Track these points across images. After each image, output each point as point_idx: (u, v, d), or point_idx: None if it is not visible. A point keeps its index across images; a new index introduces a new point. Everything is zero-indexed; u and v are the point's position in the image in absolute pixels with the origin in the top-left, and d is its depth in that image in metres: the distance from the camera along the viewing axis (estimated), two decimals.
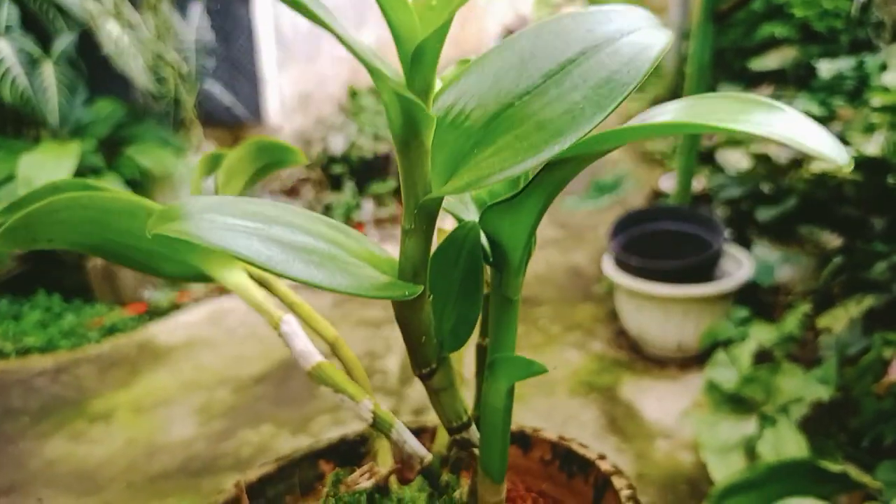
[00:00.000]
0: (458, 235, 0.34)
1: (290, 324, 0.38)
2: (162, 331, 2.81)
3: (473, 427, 0.40)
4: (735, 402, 1.32)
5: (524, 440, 0.52)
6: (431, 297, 0.35)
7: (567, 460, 0.49)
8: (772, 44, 3.83)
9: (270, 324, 0.38)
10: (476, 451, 0.40)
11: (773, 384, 1.30)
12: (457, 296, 0.36)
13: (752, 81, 3.90)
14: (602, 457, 0.47)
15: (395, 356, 2.45)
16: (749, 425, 1.27)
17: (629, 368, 2.24)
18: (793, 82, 3.64)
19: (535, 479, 0.50)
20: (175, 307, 2.95)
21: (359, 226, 3.60)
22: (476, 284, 0.36)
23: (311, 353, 0.38)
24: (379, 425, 0.40)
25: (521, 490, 0.50)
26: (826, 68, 3.26)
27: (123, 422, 2.25)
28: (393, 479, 0.45)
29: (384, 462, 0.47)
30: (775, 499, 1.04)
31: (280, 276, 0.28)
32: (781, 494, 1.05)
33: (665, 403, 2.03)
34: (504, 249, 0.33)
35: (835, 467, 1.06)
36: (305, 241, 0.30)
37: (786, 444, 1.15)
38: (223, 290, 3.10)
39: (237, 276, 0.37)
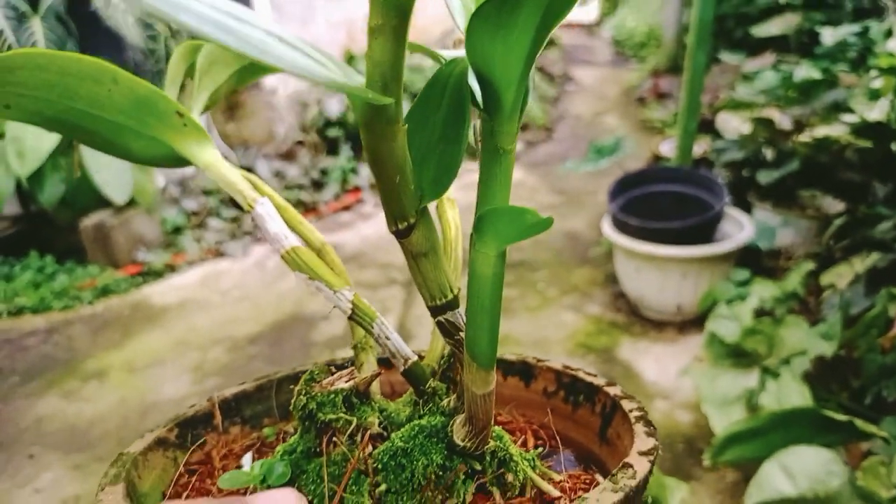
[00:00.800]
0: (442, 74, 0.30)
1: (265, 205, 0.34)
2: (155, 292, 2.78)
3: (462, 311, 0.36)
4: (736, 356, 1.30)
5: (527, 371, 0.49)
6: (412, 140, 0.31)
7: (572, 390, 0.46)
8: (774, 10, 3.77)
9: (243, 205, 0.34)
10: (462, 336, 0.36)
11: (776, 337, 1.28)
12: (439, 140, 0.32)
13: (754, 48, 3.85)
14: (611, 383, 0.44)
15: (391, 317, 2.43)
16: (751, 378, 1.25)
17: (627, 331, 2.22)
18: (795, 49, 3.59)
19: (537, 412, 0.48)
20: (169, 269, 2.92)
21: (355, 190, 3.56)
22: (461, 127, 0.32)
23: (285, 235, 0.35)
24: (358, 317, 0.36)
25: (521, 423, 0.47)
26: (830, 35, 3.21)
27: (116, 381, 2.23)
28: (377, 390, 0.42)
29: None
30: (778, 447, 1.02)
31: (253, 59, 0.25)
32: (785, 443, 1.03)
33: (663, 365, 2.02)
34: (496, 88, 0.28)
35: (841, 416, 1.04)
36: (274, 34, 0.28)
37: (789, 395, 1.13)
38: (218, 253, 3.07)
39: (209, 155, 0.34)
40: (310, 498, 0.35)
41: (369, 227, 3.29)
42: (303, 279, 0.35)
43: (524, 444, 0.43)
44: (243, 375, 2.17)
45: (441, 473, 0.35)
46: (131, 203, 2.90)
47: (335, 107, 3.59)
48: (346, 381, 0.38)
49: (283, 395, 0.48)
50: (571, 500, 0.36)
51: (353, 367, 0.41)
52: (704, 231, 2.13)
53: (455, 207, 0.45)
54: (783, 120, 2.54)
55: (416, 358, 0.38)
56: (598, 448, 0.43)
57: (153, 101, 0.31)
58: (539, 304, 2.43)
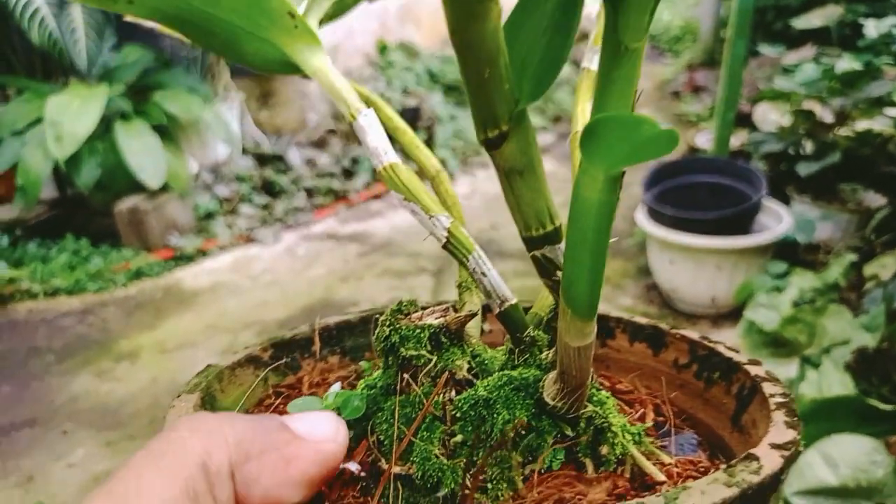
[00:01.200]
0: None
1: (368, 117, 0.32)
2: (187, 276, 2.81)
3: (562, 246, 0.31)
4: (776, 345, 1.26)
5: (657, 338, 0.43)
6: (516, 28, 0.27)
7: (707, 365, 0.40)
8: (816, 2, 3.68)
9: (346, 115, 0.32)
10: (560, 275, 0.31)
11: (818, 326, 1.24)
12: (547, 28, 0.27)
13: (793, 41, 3.77)
14: (754, 361, 0.39)
15: (425, 275, 2.42)
16: (790, 368, 1.21)
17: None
18: (837, 42, 3.50)
19: (664, 386, 0.42)
20: (201, 254, 2.95)
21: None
22: (574, 13, 0.27)
23: (385, 150, 0.32)
24: (453, 248, 0.33)
25: (643, 395, 0.41)
26: (874, 27, 3.13)
27: (148, 362, 2.25)
28: (476, 335, 0.39)
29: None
30: (820, 436, 0.99)
31: None
32: (826, 432, 1.00)
33: None
34: None
35: (887, 406, 1.01)
36: None
37: (831, 385, 1.10)
38: (249, 239, 3.09)
39: (319, 60, 0.32)
40: (381, 438, 0.32)
41: (399, 215, 3.28)
42: (398, 199, 0.33)
43: (641, 419, 0.38)
44: None
45: (524, 433, 0.31)
46: (165, 188, 2.93)
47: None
48: (436, 318, 0.35)
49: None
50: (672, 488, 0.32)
51: (448, 305, 0.38)
52: (741, 222, 2.09)
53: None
54: (824, 112, 2.48)
55: (514, 300, 0.34)
56: (729, 434, 0.38)
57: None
58: None
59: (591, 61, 0.37)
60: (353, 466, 0.31)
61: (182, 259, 2.91)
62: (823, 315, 1.27)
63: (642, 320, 0.43)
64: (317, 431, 0.25)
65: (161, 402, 2.03)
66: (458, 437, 0.31)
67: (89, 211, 3.03)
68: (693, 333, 0.42)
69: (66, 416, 2.01)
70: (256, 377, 0.41)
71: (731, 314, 2.07)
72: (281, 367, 0.42)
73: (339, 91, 0.32)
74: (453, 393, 0.33)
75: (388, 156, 0.32)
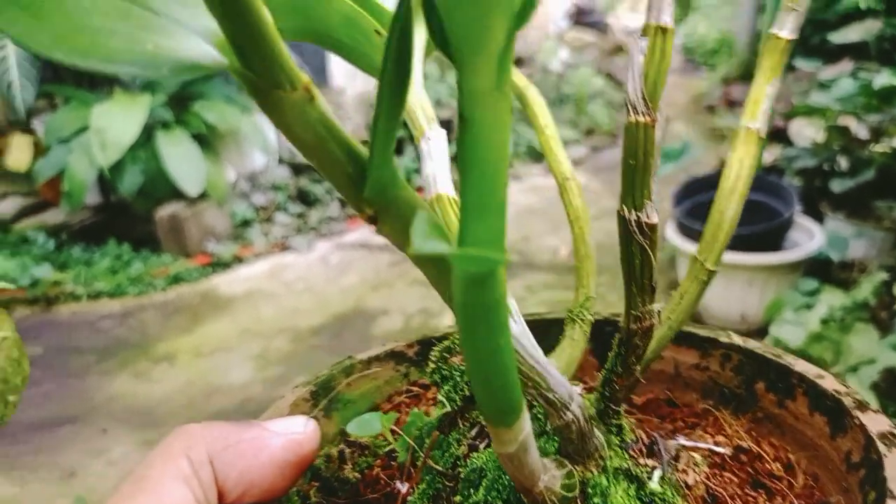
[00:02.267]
0: None
1: (432, 141, 0.30)
2: (224, 282, 2.88)
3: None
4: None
5: (837, 416, 0.32)
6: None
7: (872, 478, 0.29)
8: (854, 16, 3.65)
9: (414, 134, 0.32)
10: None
11: (844, 344, 1.25)
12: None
13: (831, 56, 3.74)
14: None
15: (448, 314, 2.45)
16: None
17: None
18: (876, 56, 3.46)
19: (832, 483, 0.32)
20: (237, 260, 3.02)
21: (419, 189, 3.61)
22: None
23: (438, 179, 0.29)
24: None
25: (798, 487, 0.32)
26: None
27: (184, 364, 2.32)
28: None
29: (572, 352, 0.34)
30: None
31: None
32: None
33: None
34: None
35: None
36: None
37: None
38: (284, 247, 3.15)
39: None
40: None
41: None
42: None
43: None
44: (305, 364, 2.23)
45: None
46: (203, 196, 3.01)
47: None
48: None
49: (551, 339, 0.36)
50: None
51: None
52: (773, 239, 2.08)
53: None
54: (859, 128, 2.46)
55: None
56: None
57: (356, 19, 0.30)
58: (596, 310, 2.41)
59: (782, 26, 0.30)
60: (403, 487, 0.32)
61: (219, 265, 2.98)
62: (850, 333, 1.27)
63: (827, 383, 0.33)
64: (288, 427, 0.28)
65: (196, 404, 2.09)
66: (458, 498, 0.29)
67: (131, 217, 3.12)
68: (878, 421, 0.30)
69: (105, 414, 2.08)
70: (396, 373, 0.40)
71: (761, 331, 2.07)
72: (423, 364, 0.39)
73: (410, 105, 0.31)
74: (482, 446, 0.31)
75: (439, 185, 0.30)
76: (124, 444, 1.93)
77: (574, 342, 0.36)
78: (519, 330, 0.26)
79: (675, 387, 0.40)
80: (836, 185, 2.24)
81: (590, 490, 0.28)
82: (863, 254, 2.21)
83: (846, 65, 3.46)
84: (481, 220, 0.18)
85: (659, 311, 0.28)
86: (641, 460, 0.30)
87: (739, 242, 2.03)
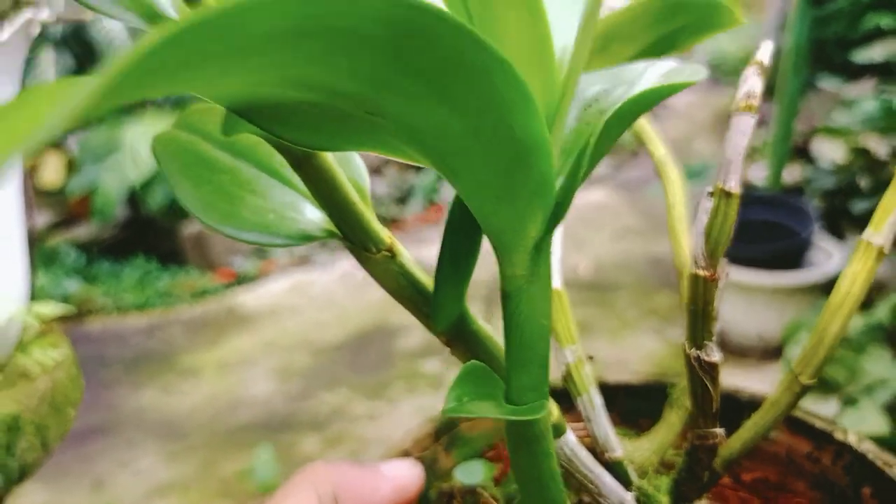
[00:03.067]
0: None
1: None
2: (248, 297, 2.94)
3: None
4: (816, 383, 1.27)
5: None
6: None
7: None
8: (878, 35, 3.64)
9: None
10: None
11: (858, 366, 1.26)
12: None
13: (853, 74, 3.73)
14: None
15: (475, 301, 2.48)
16: (830, 406, 1.23)
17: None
18: None
19: None
20: (261, 275, 3.08)
21: (438, 207, 3.66)
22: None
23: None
24: (569, 384, 0.32)
25: None
26: None
27: (209, 378, 2.37)
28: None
29: (665, 437, 0.36)
30: None
31: None
32: None
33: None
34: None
35: None
36: None
37: (868, 424, 1.11)
38: (307, 262, 3.21)
39: None
40: None
41: None
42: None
43: None
44: (327, 378, 2.27)
45: None
46: None
47: None
48: None
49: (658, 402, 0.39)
50: None
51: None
52: (792, 258, 2.09)
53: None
54: (879, 147, 2.46)
55: (618, 453, 0.31)
56: None
57: None
58: (618, 326, 2.43)
59: None
60: None
61: (243, 280, 3.05)
62: (863, 355, 1.28)
63: None
64: (398, 470, 0.32)
65: (221, 417, 2.13)
66: None
67: (158, 232, 3.20)
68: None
69: (133, 426, 2.14)
70: None
71: (779, 350, 2.07)
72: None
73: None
74: None
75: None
76: (151, 456, 1.98)
77: (669, 426, 0.37)
78: (574, 439, 0.29)
79: (786, 471, 0.40)
80: (857, 206, 2.25)
81: None
82: (885, 274, 2.21)
83: (869, 83, 3.46)
84: (524, 373, 0.23)
85: (723, 432, 0.30)
86: None
87: (758, 262, 2.04)
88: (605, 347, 2.29)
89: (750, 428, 0.31)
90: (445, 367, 2.23)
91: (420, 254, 2.92)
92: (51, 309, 0.72)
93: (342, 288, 2.97)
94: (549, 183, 0.19)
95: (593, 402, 0.32)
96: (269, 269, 3.12)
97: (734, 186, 0.26)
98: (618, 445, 0.32)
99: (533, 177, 0.18)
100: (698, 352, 0.27)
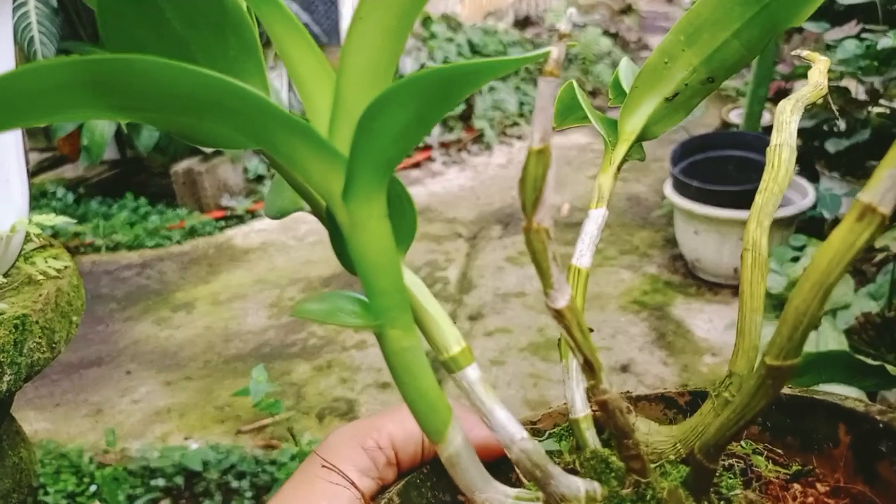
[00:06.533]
0: None
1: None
2: (238, 235, 2.98)
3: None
4: (781, 307, 1.35)
5: None
6: None
7: None
8: None
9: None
10: None
11: None
12: None
13: (837, 18, 3.75)
14: None
15: (454, 267, 2.55)
16: None
17: (682, 291, 2.29)
18: (883, 19, 3.48)
19: None
20: (250, 214, 3.12)
21: (426, 148, 3.69)
22: None
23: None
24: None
25: None
26: None
27: (202, 311, 2.44)
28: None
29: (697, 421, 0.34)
30: (813, 385, 1.10)
31: None
32: (819, 383, 1.10)
33: (715, 324, 2.08)
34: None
35: (872, 361, 1.11)
36: None
37: (828, 342, 1.20)
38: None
39: None
40: None
41: (437, 183, 3.41)
42: None
43: None
44: None
45: None
46: (218, 151, 3.09)
47: (408, 66, 3.71)
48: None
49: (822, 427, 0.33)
50: None
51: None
52: None
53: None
54: (859, 90, 2.52)
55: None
56: None
57: None
58: (598, 262, 2.51)
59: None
60: None
61: (233, 219, 3.09)
62: None
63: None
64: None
65: (215, 348, 2.21)
66: None
67: (147, 172, 3.22)
68: None
69: (129, 357, 2.21)
70: (663, 416, 0.39)
71: None
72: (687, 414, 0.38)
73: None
74: None
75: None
76: (148, 385, 2.06)
77: (701, 416, 0.35)
78: (475, 376, 0.31)
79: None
80: (831, 146, 2.31)
81: None
82: None
83: (853, 27, 3.49)
84: (376, 295, 0.27)
85: (609, 387, 0.28)
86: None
87: (733, 199, 2.11)
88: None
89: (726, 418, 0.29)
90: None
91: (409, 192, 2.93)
92: (51, 220, 0.77)
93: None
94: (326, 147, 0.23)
95: (569, 367, 0.34)
96: (259, 208, 3.16)
97: (538, 143, 0.30)
98: (582, 408, 0.34)
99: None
100: (547, 299, 0.26)
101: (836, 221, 2.31)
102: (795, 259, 1.82)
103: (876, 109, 2.43)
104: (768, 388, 0.26)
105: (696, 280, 2.32)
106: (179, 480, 1.66)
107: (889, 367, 1.10)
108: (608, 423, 0.29)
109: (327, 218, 0.29)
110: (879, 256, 1.55)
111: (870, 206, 0.21)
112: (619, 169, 0.38)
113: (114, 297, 2.58)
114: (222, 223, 3.06)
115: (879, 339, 1.46)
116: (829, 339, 1.19)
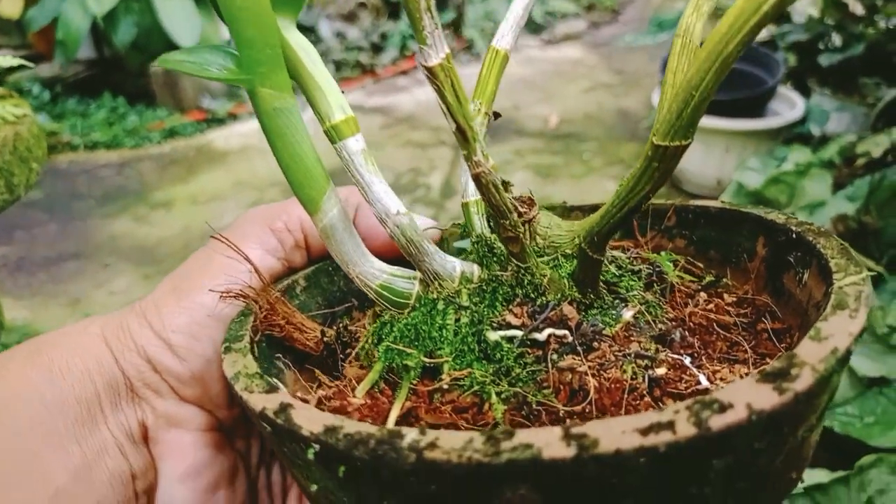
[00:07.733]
0: None
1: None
2: (218, 137, 2.93)
3: None
4: (757, 203, 1.35)
5: None
6: None
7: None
8: None
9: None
10: None
11: (798, 187, 1.33)
12: None
13: None
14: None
15: (438, 174, 2.53)
16: None
17: (665, 200, 2.28)
18: None
19: None
20: (231, 117, 3.06)
21: (413, 56, 3.60)
22: None
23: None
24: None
25: None
26: None
27: (181, 211, 2.41)
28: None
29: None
30: None
31: None
32: None
33: None
34: None
35: None
36: None
37: None
38: None
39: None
40: None
41: (424, 91, 3.34)
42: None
43: None
44: None
45: None
46: None
47: None
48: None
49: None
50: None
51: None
52: (754, 107, 2.13)
53: None
54: (856, 5, 2.45)
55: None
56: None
57: None
58: (583, 173, 2.49)
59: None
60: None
61: (213, 121, 3.02)
62: (805, 177, 1.35)
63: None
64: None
65: (194, 245, 2.19)
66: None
67: (126, 71, 3.13)
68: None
69: (107, 252, 2.19)
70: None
71: None
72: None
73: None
74: None
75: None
76: (125, 277, 2.05)
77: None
78: (357, 147, 0.30)
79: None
80: (824, 59, 2.27)
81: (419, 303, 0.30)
82: (845, 128, 2.26)
83: None
84: (246, 47, 0.28)
85: (482, 160, 0.28)
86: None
87: (721, 109, 2.08)
88: (568, 191, 2.36)
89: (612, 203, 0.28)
90: (411, 202, 2.29)
91: (391, 101, 2.92)
92: (9, 61, 0.74)
93: (312, 130, 2.97)
94: None
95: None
96: (240, 111, 3.09)
97: (504, 45, 0.28)
98: (474, 193, 0.33)
99: None
100: (418, 55, 0.25)
101: (824, 138, 2.30)
102: (777, 167, 1.80)
103: (871, 25, 2.37)
104: (654, 172, 0.24)
105: (678, 191, 2.31)
106: None
107: (870, 263, 1.08)
108: (484, 199, 0.27)
109: None
110: (861, 161, 1.54)
111: None
112: None
113: (91, 196, 2.54)
114: (203, 125, 3.00)
115: (855, 245, 1.46)
116: None
